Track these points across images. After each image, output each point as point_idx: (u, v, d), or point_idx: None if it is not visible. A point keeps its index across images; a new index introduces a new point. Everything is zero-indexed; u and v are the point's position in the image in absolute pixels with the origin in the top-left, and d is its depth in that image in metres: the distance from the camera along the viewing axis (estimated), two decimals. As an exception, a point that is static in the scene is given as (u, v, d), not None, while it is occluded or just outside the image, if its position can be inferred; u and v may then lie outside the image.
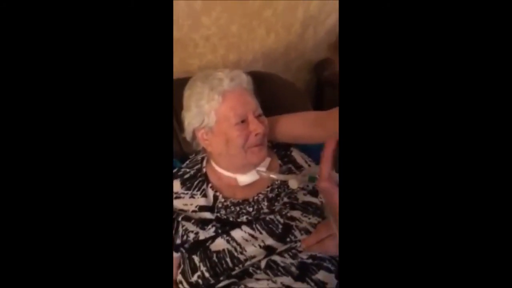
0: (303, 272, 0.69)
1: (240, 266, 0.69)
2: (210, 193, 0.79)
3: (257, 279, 0.69)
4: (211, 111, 0.76)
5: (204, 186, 0.79)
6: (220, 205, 0.77)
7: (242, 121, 0.75)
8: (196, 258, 0.71)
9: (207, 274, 0.69)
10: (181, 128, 0.83)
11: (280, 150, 0.86)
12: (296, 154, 0.86)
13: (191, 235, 0.73)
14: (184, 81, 0.82)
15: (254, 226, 0.73)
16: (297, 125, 0.83)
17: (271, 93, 0.99)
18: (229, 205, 0.77)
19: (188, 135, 0.82)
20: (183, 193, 0.79)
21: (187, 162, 0.86)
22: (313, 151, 0.86)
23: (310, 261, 0.71)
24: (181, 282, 0.73)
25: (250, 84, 0.80)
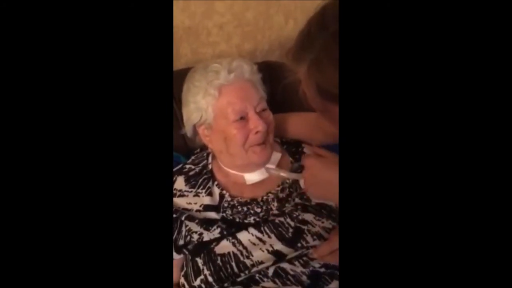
0: (315, 282, 0.64)
1: (246, 272, 0.64)
2: (216, 191, 0.74)
3: (264, 288, 0.64)
4: (208, 107, 0.70)
5: (210, 184, 0.74)
6: (226, 205, 0.72)
7: (242, 118, 0.69)
8: (199, 261, 0.67)
9: (210, 279, 0.65)
10: (182, 124, 0.78)
11: (291, 146, 0.80)
12: (309, 151, 0.79)
13: (195, 236, 0.69)
14: (186, 72, 0.77)
15: (262, 228, 0.68)
16: (300, 126, 0.78)
17: (285, 85, 0.92)
18: (236, 204, 0.72)
19: (188, 131, 0.77)
20: (187, 191, 0.74)
21: (193, 158, 0.81)
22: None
23: (322, 270, 0.65)
24: (183, 286, 0.69)
25: (255, 75, 0.74)
